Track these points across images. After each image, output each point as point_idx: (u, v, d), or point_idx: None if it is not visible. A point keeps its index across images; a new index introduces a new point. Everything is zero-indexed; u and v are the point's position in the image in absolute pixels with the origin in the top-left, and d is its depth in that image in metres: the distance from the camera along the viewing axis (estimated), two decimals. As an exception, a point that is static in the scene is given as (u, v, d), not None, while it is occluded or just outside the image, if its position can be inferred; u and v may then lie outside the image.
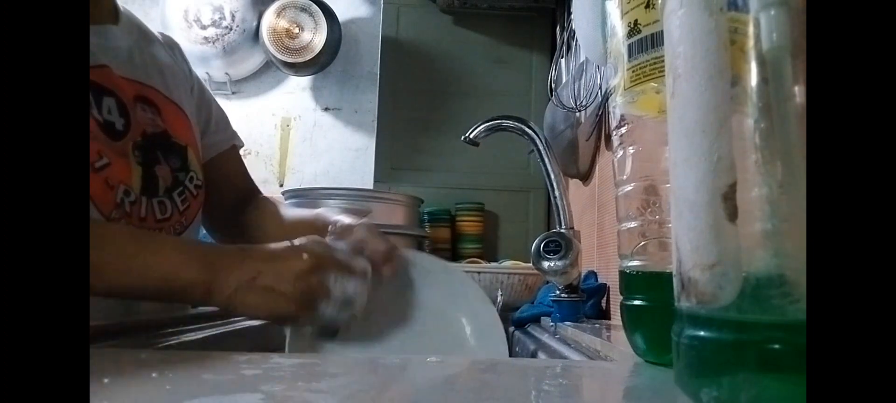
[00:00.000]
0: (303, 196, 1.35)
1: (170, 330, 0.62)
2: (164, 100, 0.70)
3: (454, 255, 1.45)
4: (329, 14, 2.23)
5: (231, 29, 2.20)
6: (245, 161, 0.86)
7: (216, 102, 0.85)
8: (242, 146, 0.87)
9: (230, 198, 0.81)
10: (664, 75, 0.28)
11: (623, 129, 0.39)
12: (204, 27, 2.20)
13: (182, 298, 0.51)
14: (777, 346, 0.21)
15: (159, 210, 0.66)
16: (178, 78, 0.75)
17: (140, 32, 0.73)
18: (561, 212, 0.88)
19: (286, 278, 0.50)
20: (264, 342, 0.87)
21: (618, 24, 0.39)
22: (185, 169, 0.70)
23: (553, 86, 1.29)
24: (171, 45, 0.79)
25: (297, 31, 2.19)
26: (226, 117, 0.86)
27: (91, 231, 0.48)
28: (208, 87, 0.92)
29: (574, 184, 1.25)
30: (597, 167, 1.09)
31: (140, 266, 0.49)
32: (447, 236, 1.47)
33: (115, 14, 0.69)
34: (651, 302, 0.37)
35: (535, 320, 0.90)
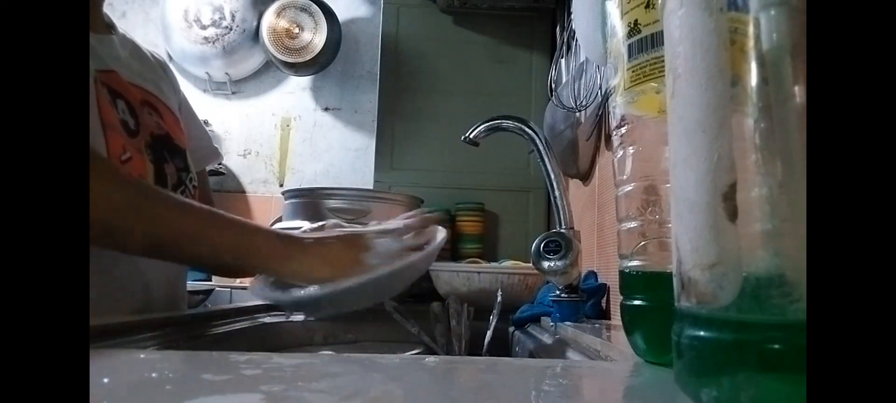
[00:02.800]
0: (303, 196, 1.35)
1: (170, 329, 0.62)
2: (163, 107, 0.74)
3: (454, 255, 1.45)
4: (329, 14, 2.23)
5: (231, 29, 2.21)
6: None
7: (198, 122, 0.89)
8: (221, 160, 0.91)
9: None
10: (664, 75, 0.28)
11: (623, 129, 0.39)
12: (204, 27, 2.20)
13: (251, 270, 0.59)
14: (777, 346, 0.21)
15: None
16: (168, 93, 0.78)
17: (133, 46, 0.76)
18: (561, 212, 0.88)
19: (336, 247, 0.58)
20: (264, 342, 0.87)
21: (618, 24, 0.39)
22: (187, 169, 0.73)
23: (553, 86, 1.29)
24: (162, 65, 0.81)
25: (297, 31, 2.19)
26: (207, 136, 0.90)
27: (173, 202, 0.56)
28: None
29: (574, 184, 1.25)
30: (597, 167, 1.09)
31: (224, 242, 0.56)
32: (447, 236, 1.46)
33: (109, 28, 0.73)
34: (651, 302, 0.37)
35: (535, 320, 0.90)
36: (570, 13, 1.14)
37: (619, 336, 0.53)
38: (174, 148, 0.72)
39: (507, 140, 1.04)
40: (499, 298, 0.91)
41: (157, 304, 0.68)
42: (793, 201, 0.21)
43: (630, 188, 0.39)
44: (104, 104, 0.62)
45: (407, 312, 0.87)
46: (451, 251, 1.46)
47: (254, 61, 2.34)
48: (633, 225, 0.38)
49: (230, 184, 2.32)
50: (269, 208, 2.27)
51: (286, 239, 0.57)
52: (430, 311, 0.87)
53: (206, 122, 2.17)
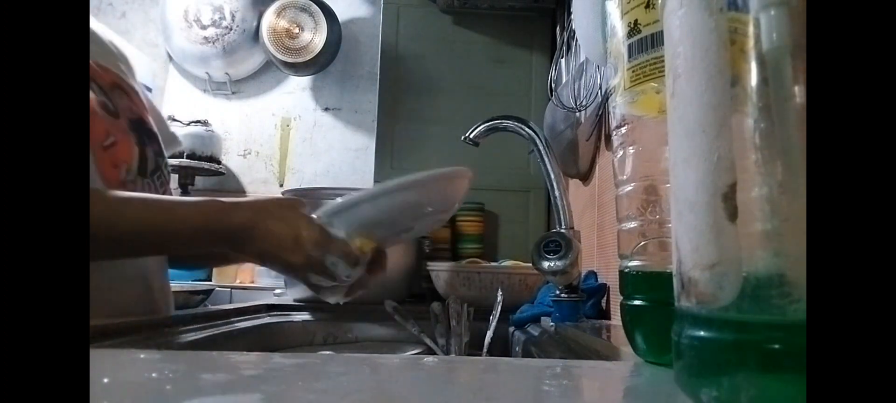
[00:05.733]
0: (303, 196, 1.35)
1: (170, 329, 0.62)
2: (132, 90, 0.71)
3: (454, 255, 1.45)
4: (329, 14, 2.23)
5: (231, 29, 2.21)
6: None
7: (155, 106, 0.86)
8: (181, 147, 0.88)
9: None
10: (664, 75, 0.28)
11: (623, 129, 0.39)
12: (204, 27, 2.20)
13: (223, 244, 0.55)
14: (777, 346, 0.21)
15: (148, 190, 0.66)
16: (130, 76, 0.76)
17: (94, 36, 0.73)
18: (561, 212, 0.88)
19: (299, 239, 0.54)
20: (264, 342, 0.87)
21: (618, 24, 0.39)
22: (162, 154, 0.71)
23: (553, 86, 1.29)
24: (116, 46, 0.79)
25: (297, 31, 2.19)
26: (165, 122, 0.87)
27: (130, 198, 0.53)
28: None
29: (574, 184, 1.25)
30: (597, 167, 1.09)
31: (185, 214, 0.54)
32: (447, 236, 1.47)
33: None
34: (651, 302, 0.37)
35: (535, 320, 0.90)
36: (570, 13, 1.14)
37: (619, 336, 0.53)
38: (150, 131, 0.70)
39: (507, 140, 1.04)
40: (499, 298, 0.91)
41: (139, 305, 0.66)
42: (793, 201, 0.21)
43: (630, 188, 0.39)
44: None
45: (407, 312, 0.87)
46: (451, 251, 1.46)
47: (254, 61, 2.34)
48: (633, 225, 0.38)
49: (230, 184, 2.32)
50: (268, 208, 2.26)
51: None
52: (430, 311, 0.87)
53: (205, 122, 2.17)
